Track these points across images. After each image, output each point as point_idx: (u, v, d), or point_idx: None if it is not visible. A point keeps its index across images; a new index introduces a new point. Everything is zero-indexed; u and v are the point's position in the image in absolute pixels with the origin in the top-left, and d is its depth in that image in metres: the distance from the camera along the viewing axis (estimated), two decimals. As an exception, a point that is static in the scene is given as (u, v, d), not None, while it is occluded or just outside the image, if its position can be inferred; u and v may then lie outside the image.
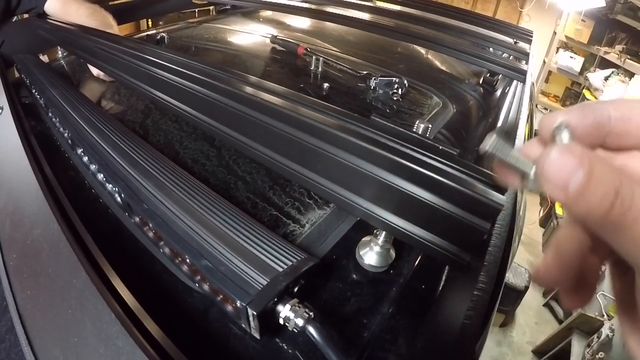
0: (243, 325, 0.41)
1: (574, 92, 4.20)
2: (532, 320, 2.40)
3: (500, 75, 1.19)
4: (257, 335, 0.40)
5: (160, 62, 0.60)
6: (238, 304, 0.38)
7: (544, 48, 4.33)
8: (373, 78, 1.01)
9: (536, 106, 4.24)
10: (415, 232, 0.38)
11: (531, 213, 3.25)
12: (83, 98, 0.77)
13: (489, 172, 0.34)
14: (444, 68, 1.37)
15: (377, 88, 1.01)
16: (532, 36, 1.42)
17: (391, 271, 0.51)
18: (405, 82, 0.99)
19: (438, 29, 1.28)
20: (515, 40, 1.44)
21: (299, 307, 0.40)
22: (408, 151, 0.35)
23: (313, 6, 1.50)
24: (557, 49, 4.16)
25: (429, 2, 1.85)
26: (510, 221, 0.52)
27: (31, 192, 0.54)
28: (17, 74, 0.99)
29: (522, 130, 0.75)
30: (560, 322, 2.30)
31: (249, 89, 0.50)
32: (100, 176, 0.58)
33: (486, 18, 1.70)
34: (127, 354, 0.34)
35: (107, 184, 0.56)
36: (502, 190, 0.33)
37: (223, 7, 1.78)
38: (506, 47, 1.25)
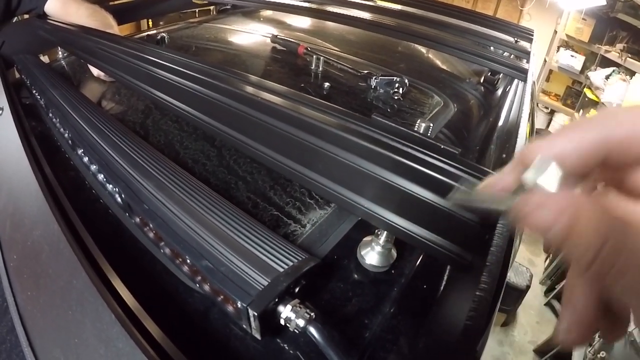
0: (244, 326, 0.41)
1: (575, 90, 4.19)
2: (534, 320, 2.39)
3: (501, 74, 1.19)
4: (258, 336, 0.40)
5: (161, 62, 0.60)
6: (239, 304, 0.38)
7: (545, 47, 4.32)
8: (374, 77, 1.01)
9: (537, 105, 4.24)
10: (416, 232, 0.38)
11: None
12: (83, 98, 0.77)
13: (490, 171, 0.34)
14: (444, 67, 1.36)
15: (377, 87, 1.00)
16: (532, 35, 1.42)
17: (393, 271, 0.51)
18: (406, 81, 0.99)
19: (439, 28, 1.28)
20: (516, 39, 1.44)
21: (300, 307, 0.40)
22: (409, 150, 0.35)
23: (314, 5, 1.50)
24: (558, 47, 4.15)
25: (429, 1, 1.85)
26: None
27: (31, 193, 0.54)
28: (17, 75, 0.99)
29: (523, 129, 0.74)
30: (561, 321, 2.29)
31: (249, 89, 0.49)
32: (101, 176, 0.58)
33: (487, 17, 1.69)
34: (128, 355, 0.34)
35: (107, 185, 0.56)
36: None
37: (223, 7, 1.78)
38: (507, 46, 1.25)
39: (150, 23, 2.56)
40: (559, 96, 4.42)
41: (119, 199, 0.54)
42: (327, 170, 0.39)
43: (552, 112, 4.46)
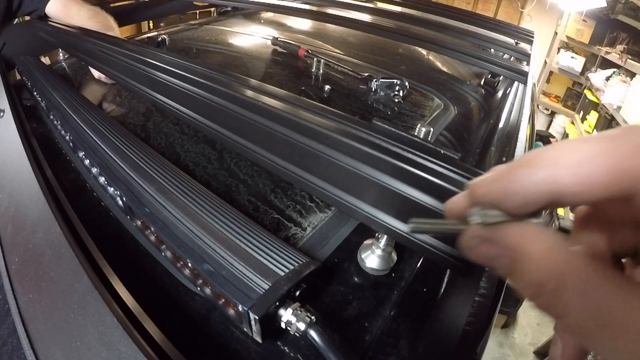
0: (245, 329, 0.41)
1: (575, 92, 4.20)
2: (534, 322, 2.39)
3: (502, 77, 1.19)
4: (259, 340, 0.40)
5: (161, 65, 0.60)
6: (240, 308, 0.38)
7: (545, 48, 4.33)
8: (374, 80, 1.01)
9: (537, 106, 4.24)
10: (417, 236, 0.38)
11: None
12: (84, 100, 0.77)
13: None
14: (445, 69, 1.37)
15: (378, 90, 1.01)
16: (533, 37, 1.42)
17: (393, 274, 0.51)
18: (407, 83, 0.99)
19: (439, 30, 1.28)
20: (516, 41, 1.44)
21: (300, 311, 0.40)
22: (410, 155, 0.35)
23: (314, 8, 1.50)
24: (558, 49, 4.16)
25: (429, 3, 1.85)
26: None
27: (33, 195, 0.54)
28: (18, 76, 1.00)
29: (523, 132, 0.74)
30: (561, 323, 2.29)
31: (250, 92, 0.50)
32: (102, 179, 0.58)
33: (487, 19, 1.69)
34: (130, 359, 0.34)
35: (108, 187, 0.56)
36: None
37: (224, 9, 1.78)
38: (507, 48, 1.25)
39: (151, 25, 2.56)
40: (559, 98, 4.42)
41: (120, 202, 0.54)
42: (327, 175, 0.39)
43: (552, 114, 4.46)
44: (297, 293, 0.42)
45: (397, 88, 0.99)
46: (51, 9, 1.02)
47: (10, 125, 0.70)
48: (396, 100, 0.98)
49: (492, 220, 0.21)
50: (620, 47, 3.45)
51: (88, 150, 0.62)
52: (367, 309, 0.47)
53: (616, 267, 0.21)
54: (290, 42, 1.23)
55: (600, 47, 3.73)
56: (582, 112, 3.78)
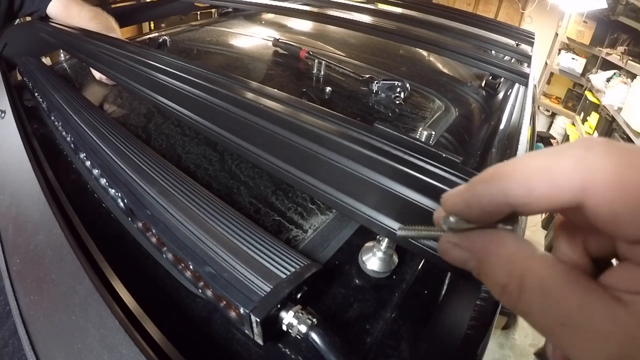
0: (246, 332, 0.41)
1: (576, 93, 4.20)
2: (534, 323, 2.39)
3: (503, 78, 1.19)
4: (260, 342, 0.40)
5: (162, 66, 0.60)
6: (241, 310, 0.38)
7: (546, 49, 4.33)
8: (375, 82, 1.01)
9: (538, 108, 4.24)
10: (416, 240, 0.38)
11: (533, 215, 3.24)
12: (85, 101, 0.77)
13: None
14: (446, 71, 1.37)
15: (379, 92, 1.01)
16: (533, 38, 1.42)
17: (394, 277, 0.51)
18: (408, 85, 0.99)
19: (440, 31, 1.28)
20: (517, 42, 1.44)
21: (302, 313, 0.40)
22: (411, 159, 0.35)
23: (315, 9, 1.50)
24: (559, 50, 4.15)
25: (430, 4, 1.85)
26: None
27: (34, 196, 0.54)
28: (19, 77, 1.00)
29: (524, 133, 0.74)
30: (562, 324, 2.29)
31: (251, 95, 0.50)
32: (103, 181, 0.58)
33: (488, 20, 1.69)
34: (131, 361, 0.35)
35: (109, 189, 0.56)
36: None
37: (225, 10, 1.78)
38: (508, 50, 1.25)
39: (152, 26, 2.56)
40: (560, 99, 4.42)
41: (121, 204, 0.54)
42: (329, 177, 0.39)
43: (553, 115, 4.46)
44: (299, 295, 0.42)
45: (398, 90, 0.99)
46: (52, 10, 1.02)
47: (11, 126, 0.70)
48: (397, 102, 0.98)
49: (462, 227, 0.23)
50: (621, 49, 3.45)
51: (89, 152, 0.62)
52: (368, 312, 0.47)
53: (590, 271, 0.22)
54: (292, 43, 1.23)
55: (601, 49, 3.73)
56: (582, 114, 3.78)
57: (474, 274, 0.23)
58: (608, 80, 3.31)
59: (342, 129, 0.40)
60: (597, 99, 3.42)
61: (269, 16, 1.74)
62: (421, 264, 0.53)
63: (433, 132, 0.55)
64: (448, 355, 0.42)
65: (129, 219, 0.54)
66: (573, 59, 4.00)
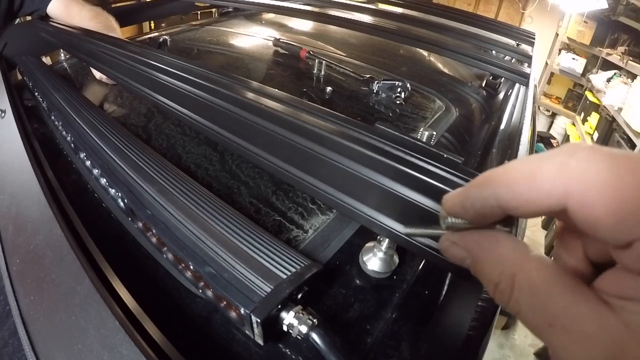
0: (247, 332, 0.41)
1: (576, 93, 4.20)
2: (534, 323, 2.39)
3: (503, 78, 1.19)
4: (260, 342, 0.40)
5: (162, 66, 0.60)
6: (242, 311, 0.38)
7: (546, 49, 4.33)
8: (376, 82, 1.01)
9: (538, 108, 4.24)
10: (418, 239, 0.38)
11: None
12: (85, 101, 0.77)
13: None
14: (446, 71, 1.37)
15: (380, 92, 1.01)
16: (534, 38, 1.42)
17: (394, 277, 0.51)
18: (408, 85, 0.99)
19: (440, 31, 1.28)
20: (517, 42, 1.44)
21: (302, 314, 0.40)
22: (412, 159, 0.35)
23: (315, 9, 1.50)
24: (560, 50, 4.15)
25: (431, 4, 1.85)
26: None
27: (34, 196, 0.54)
28: (19, 77, 1.00)
29: (525, 133, 0.74)
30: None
31: (251, 95, 0.50)
32: (103, 181, 0.58)
33: (488, 20, 1.69)
34: (131, 362, 0.34)
35: (110, 189, 0.56)
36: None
37: (225, 10, 1.78)
38: (508, 50, 1.25)
39: (152, 25, 2.55)
40: (560, 99, 4.42)
41: (121, 204, 0.54)
42: (329, 178, 0.39)
43: (553, 115, 4.46)
44: (299, 296, 0.42)
45: (398, 90, 0.98)
46: (52, 9, 1.02)
47: (11, 125, 0.70)
48: (398, 102, 0.98)
49: (460, 227, 0.25)
50: (621, 49, 3.45)
51: (89, 152, 0.62)
52: (368, 312, 0.47)
53: (590, 275, 0.22)
54: (292, 43, 1.23)
55: (601, 49, 3.73)
56: (583, 114, 3.78)
57: (471, 272, 0.24)
58: (608, 80, 3.32)
59: (343, 129, 0.40)
60: (598, 99, 3.42)
61: (270, 16, 1.74)
62: (422, 265, 0.53)
63: (434, 133, 0.55)
64: (448, 355, 0.42)
65: (129, 219, 0.54)
66: (573, 59, 4.00)
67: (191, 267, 0.43)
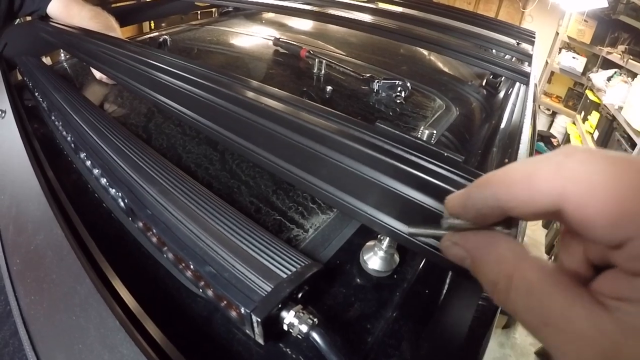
0: (247, 332, 0.41)
1: (576, 92, 4.19)
2: (535, 322, 2.39)
3: (503, 77, 1.19)
4: (261, 341, 0.40)
5: (163, 66, 0.60)
6: (242, 310, 0.38)
7: (547, 48, 4.32)
8: (376, 81, 1.01)
9: (539, 107, 4.24)
10: (418, 238, 0.38)
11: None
12: (85, 101, 0.77)
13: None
14: (446, 70, 1.37)
15: (380, 91, 1.00)
16: (534, 37, 1.41)
17: (395, 276, 0.51)
18: (408, 84, 0.99)
19: (440, 30, 1.28)
20: (517, 41, 1.44)
21: (303, 313, 0.40)
22: (413, 158, 0.35)
23: (315, 9, 1.50)
24: (560, 49, 4.15)
25: (431, 3, 1.85)
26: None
27: (34, 196, 0.54)
28: (19, 77, 1.00)
29: (525, 132, 0.74)
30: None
31: (252, 94, 0.49)
32: (104, 181, 0.58)
33: (488, 19, 1.69)
34: (131, 361, 0.34)
35: (110, 189, 0.56)
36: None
37: (225, 10, 1.78)
38: (509, 49, 1.25)
39: (152, 25, 2.55)
40: (561, 98, 4.42)
41: (121, 204, 0.54)
42: (330, 177, 0.39)
43: (553, 114, 4.46)
44: (300, 295, 0.42)
45: (399, 89, 0.98)
46: (52, 10, 1.02)
47: (11, 125, 0.70)
48: (398, 101, 0.98)
49: (461, 227, 0.25)
50: (621, 48, 3.45)
51: (89, 152, 0.62)
52: (369, 311, 0.47)
53: (591, 277, 0.23)
54: (292, 42, 1.23)
55: (601, 48, 3.73)
56: (583, 113, 3.77)
57: (470, 272, 0.25)
58: (609, 79, 3.31)
59: (344, 128, 0.40)
60: (598, 98, 3.41)
61: (270, 15, 1.73)
62: (422, 264, 0.53)
63: (434, 131, 0.55)
64: (449, 354, 0.42)
65: (130, 219, 0.54)
66: (574, 58, 4.00)
67: (191, 266, 0.43)
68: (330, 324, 0.41)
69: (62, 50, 1.13)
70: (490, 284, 0.23)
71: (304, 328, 0.39)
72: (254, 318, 0.38)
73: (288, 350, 0.42)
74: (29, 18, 1.10)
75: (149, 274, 0.49)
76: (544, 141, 4.10)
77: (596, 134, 3.33)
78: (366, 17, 1.43)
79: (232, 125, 0.49)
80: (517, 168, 0.22)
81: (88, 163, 0.62)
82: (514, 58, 1.28)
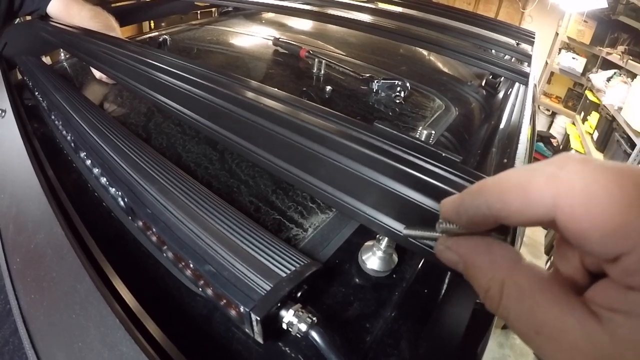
0: (246, 330, 0.41)
1: (576, 93, 4.19)
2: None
3: (503, 77, 1.19)
4: (260, 340, 0.41)
5: (162, 65, 0.60)
6: (242, 309, 0.39)
7: (546, 49, 4.32)
8: (375, 81, 1.01)
9: (538, 107, 4.24)
10: (417, 238, 0.38)
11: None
12: (85, 101, 0.77)
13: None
14: (446, 70, 1.37)
15: (379, 91, 1.01)
16: (534, 37, 1.42)
17: (394, 276, 0.51)
18: (408, 84, 0.99)
19: (440, 30, 1.28)
20: (517, 41, 1.44)
21: (302, 312, 0.40)
22: (411, 158, 0.35)
23: (315, 9, 1.50)
24: (560, 49, 4.15)
25: (430, 3, 1.85)
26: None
27: (34, 196, 0.54)
28: (19, 76, 1.00)
29: (524, 133, 0.75)
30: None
31: (251, 94, 0.50)
32: (103, 180, 0.58)
33: (488, 19, 1.69)
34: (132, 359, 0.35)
35: (110, 188, 0.56)
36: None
37: (225, 9, 1.78)
38: (508, 49, 1.25)
39: (152, 25, 2.56)
40: (560, 98, 4.42)
41: (121, 203, 0.54)
42: (329, 177, 0.39)
43: (553, 114, 4.46)
44: (299, 294, 0.42)
45: (398, 89, 0.99)
46: (52, 9, 1.02)
47: (11, 125, 0.70)
48: (397, 101, 0.98)
49: (455, 232, 0.26)
50: (621, 48, 3.45)
51: (89, 151, 0.62)
52: (368, 310, 0.47)
53: (586, 286, 0.22)
54: (292, 42, 1.23)
55: (601, 48, 3.73)
56: (583, 113, 3.77)
57: (464, 276, 0.25)
58: (608, 79, 3.31)
59: (342, 128, 0.40)
60: (598, 99, 3.41)
61: (269, 15, 1.74)
62: (421, 264, 0.53)
63: (433, 132, 0.55)
64: (448, 354, 0.43)
65: (129, 218, 0.54)
66: (573, 58, 4.00)
67: (191, 265, 0.43)
68: (329, 323, 0.41)
69: (62, 50, 1.13)
70: (482, 290, 0.23)
71: (303, 327, 0.39)
72: (254, 317, 0.38)
73: (287, 349, 0.42)
74: (29, 17, 1.10)
75: (148, 272, 0.49)
76: (543, 141, 4.10)
77: (596, 135, 3.33)
78: (366, 17, 1.43)
79: (231, 125, 0.49)
80: (510, 177, 0.21)
81: (88, 162, 0.62)
82: (514, 58, 1.28)
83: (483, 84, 1.24)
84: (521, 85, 1.08)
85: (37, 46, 1.04)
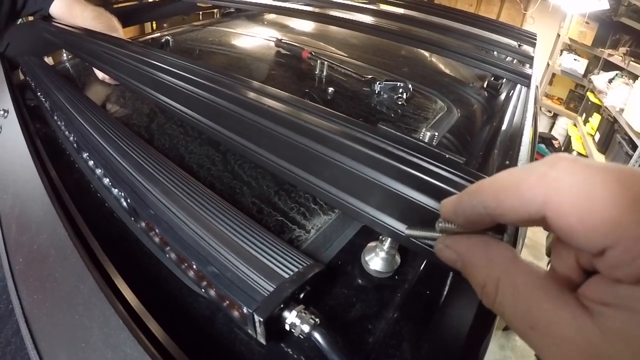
0: (249, 331, 0.41)
1: (577, 94, 4.19)
2: (535, 324, 2.38)
3: (505, 79, 1.19)
4: (263, 341, 0.40)
5: (165, 66, 0.60)
6: (244, 310, 0.39)
7: (548, 50, 4.32)
8: (378, 82, 1.01)
9: (540, 109, 4.24)
10: (420, 239, 0.38)
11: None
12: (88, 101, 0.78)
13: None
14: (448, 71, 1.37)
15: (381, 92, 1.01)
16: (535, 39, 1.42)
17: (396, 277, 0.51)
18: (410, 86, 0.99)
19: (442, 32, 1.28)
20: (519, 43, 1.44)
21: (304, 313, 0.40)
22: (415, 159, 0.35)
23: (317, 10, 1.50)
24: (561, 51, 4.15)
25: (432, 5, 1.85)
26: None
27: (37, 196, 0.55)
28: (22, 77, 1.00)
29: (527, 135, 0.75)
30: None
31: (254, 95, 0.50)
32: (106, 180, 0.58)
33: (490, 21, 1.69)
34: (134, 360, 0.35)
35: (113, 189, 0.56)
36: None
37: (227, 10, 1.78)
38: (510, 51, 1.25)
39: (154, 26, 2.56)
40: (562, 100, 4.42)
41: (124, 203, 0.54)
42: (332, 178, 0.40)
43: (554, 116, 4.46)
44: (302, 295, 0.42)
45: (400, 90, 0.99)
46: (55, 10, 1.02)
47: (14, 125, 0.70)
48: (400, 102, 0.98)
49: (454, 231, 0.27)
50: (623, 50, 3.45)
51: (92, 151, 0.62)
52: (370, 312, 0.47)
53: (576, 282, 0.23)
54: (294, 44, 1.23)
55: (603, 50, 3.73)
56: (584, 114, 3.77)
57: (462, 274, 0.26)
58: (610, 81, 3.31)
59: (346, 130, 0.40)
60: (599, 100, 3.41)
61: (272, 16, 1.74)
62: (423, 265, 0.53)
63: (436, 133, 0.55)
64: (450, 355, 0.42)
65: (132, 219, 0.54)
66: (575, 60, 4.00)
67: (194, 266, 0.43)
68: (332, 324, 0.41)
69: (64, 51, 1.13)
70: (479, 287, 0.24)
71: (306, 328, 0.39)
72: (256, 318, 0.38)
73: (290, 350, 0.42)
74: (31, 18, 1.10)
75: (151, 273, 0.50)
76: (545, 143, 4.10)
77: (597, 136, 3.34)
78: (368, 19, 1.43)
79: (234, 126, 0.49)
80: (504, 177, 0.22)
81: (91, 163, 0.62)
82: (515, 60, 1.28)
83: (485, 85, 1.24)
84: (523, 86, 1.08)
85: (39, 47, 1.04)
